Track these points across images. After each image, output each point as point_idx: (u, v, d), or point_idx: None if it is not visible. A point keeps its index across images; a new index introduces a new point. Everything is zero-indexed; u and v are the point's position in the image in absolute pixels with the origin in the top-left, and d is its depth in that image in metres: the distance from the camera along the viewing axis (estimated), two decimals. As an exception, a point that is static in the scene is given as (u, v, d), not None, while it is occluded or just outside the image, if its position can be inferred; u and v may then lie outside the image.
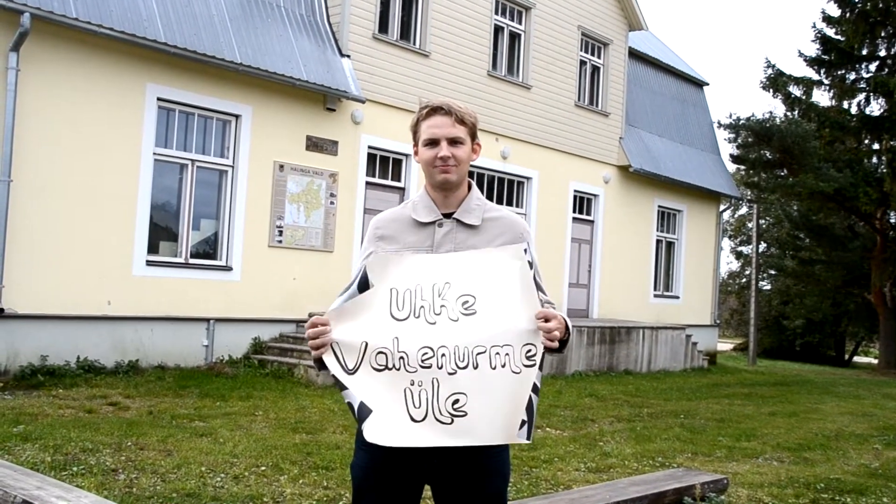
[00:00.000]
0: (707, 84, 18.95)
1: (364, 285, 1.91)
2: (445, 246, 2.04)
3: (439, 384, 1.82)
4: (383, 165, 11.82)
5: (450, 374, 1.82)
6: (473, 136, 2.08)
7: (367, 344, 1.85)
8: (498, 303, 1.86)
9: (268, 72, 9.82)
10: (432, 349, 1.82)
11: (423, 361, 1.82)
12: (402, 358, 1.83)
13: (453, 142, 2.03)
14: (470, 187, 2.12)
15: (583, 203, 15.17)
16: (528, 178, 13.90)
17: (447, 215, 2.07)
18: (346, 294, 1.93)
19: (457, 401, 1.82)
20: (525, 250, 1.94)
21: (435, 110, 2.05)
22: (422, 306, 1.86)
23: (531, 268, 1.92)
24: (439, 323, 1.84)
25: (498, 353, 1.83)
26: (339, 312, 1.90)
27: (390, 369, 1.84)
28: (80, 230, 8.67)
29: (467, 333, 1.83)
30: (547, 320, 1.87)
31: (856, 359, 31.73)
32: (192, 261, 9.68)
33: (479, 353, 1.83)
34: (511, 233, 2.09)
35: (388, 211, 2.19)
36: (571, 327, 2.01)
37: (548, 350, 1.88)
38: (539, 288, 2.02)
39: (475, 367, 1.82)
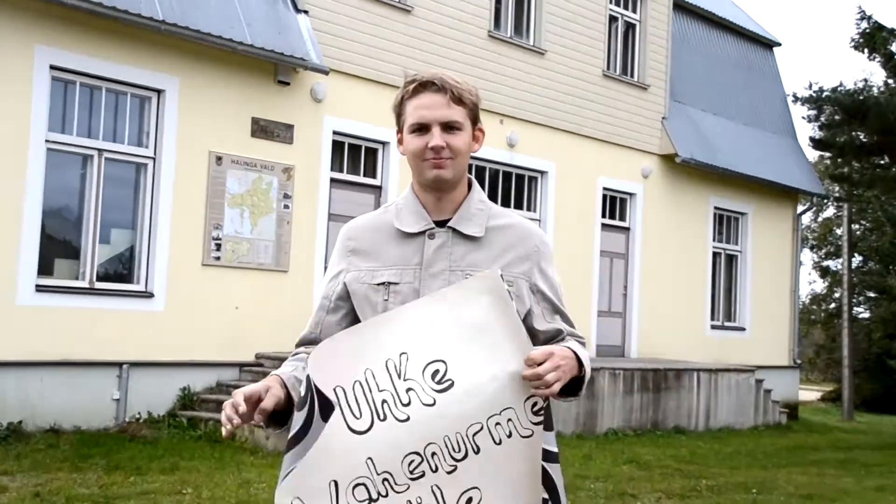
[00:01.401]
0: (779, 44, 19.10)
1: (323, 405, 1.87)
2: (438, 263, 2.09)
3: (442, 490, 1.84)
4: (353, 157, 11.80)
5: (449, 472, 1.84)
6: (475, 120, 2.13)
7: (336, 483, 1.84)
8: (477, 359, 1.87)
9: (199, 33, 9.82)
10: (419, 454, 1.83)
11: (412, 473, 1.83)
12: (385, 480, 1.83)
13: (448, 127, 2.07)
14: (470, 186, 2.17)
15: (615, 205, 15.18)
16: (542, 173, 13.92)
17: (441, 223, 2.12)
18: (299, 424, 1.88)
19: (470, 499, 1.84)
20: (502, 276, 1.97)
21: (424, 86, 2.08)
22: (384, 400, 1.85)
23: (512, 297, 1.96)
24: (413, 416, 1.84)
25: (499, 424, 1.86)
26: (292, 453, 1.88)
27: (377, 500, 1.83)
28: (-53, 245, 8.60)
29: (452, 416, 1.84)
30: (537, 364, 1.89)
31: None
32: (98, 285, 9.63)
33: (476, 434, 1.85)
34: (522, 246, 2.14)
35: (363, 217, 2.23)
36: (587, 360, 2.02)
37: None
38: (564, 318, 2.15)
39: (476, 452, 1.84)
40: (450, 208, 2.14)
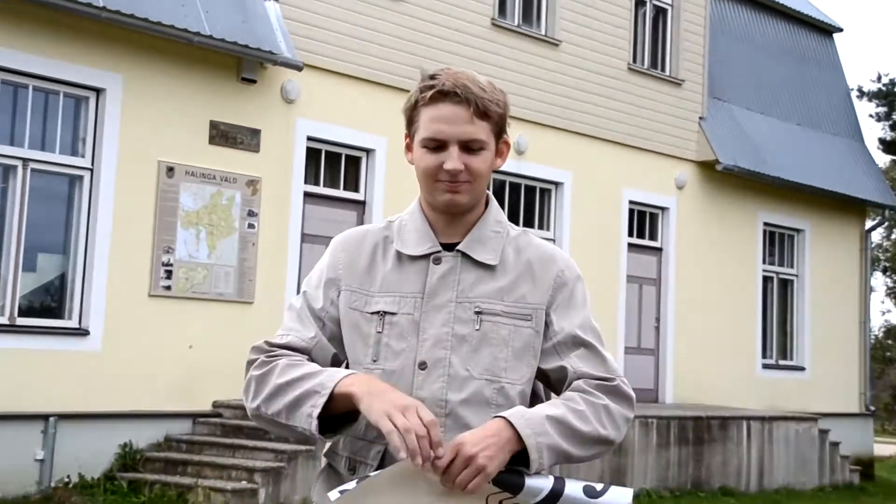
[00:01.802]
0: (840, 30, 19.15)
1: None
2: (443, 294, 2.15)
3: None
4: (332, 167, 11.84)
5: None
6: (500, 133, 2.20)
7: None
8: None
9: (147, 21, 9.84)
10: None
11: None
12: None
13: (469, 147, 2.12)
14: (487, 204, 2.25)
15: (644, 221, 15.23)
16: (556, 184, 13.98)
17: (449, 246, 2.19)
18: None
19: None
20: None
21: (445, 94, 2.11)
22: None
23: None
24: None
25: None
26: None
27: None
28: None
29: None
30: (444, 470, 1.98)
31: None
32: (21, 321, 9.62)
33: None
34: (543, 274, 2.20)
35: (360, 229, 2.29)
36: (527, 423, 2.02)
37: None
38: (590, 352, 2.18)
39: None
40: (462, 230, 2.20)
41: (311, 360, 2.16)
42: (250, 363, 2.18)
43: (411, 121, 2.18)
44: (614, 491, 2.01)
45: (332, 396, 2.01)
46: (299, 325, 2.22)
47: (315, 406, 2.01)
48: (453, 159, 2.11)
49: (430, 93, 2.12)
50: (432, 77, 2.13)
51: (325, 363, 2.18)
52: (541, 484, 2.01)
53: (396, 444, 1.91)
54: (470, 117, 2.11)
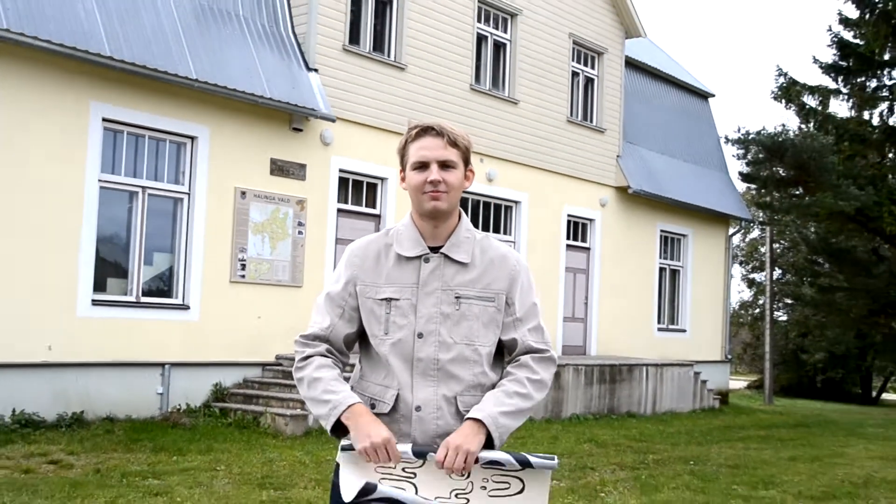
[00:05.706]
0: (713, 95, 19.28)
1: None
2: (432, 283, 2.11)
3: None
4: (356, 190, 11.94)
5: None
6: (466, 162, 2.15)
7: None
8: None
9: (227, 88, 9.89)
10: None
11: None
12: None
13: (444, 165, 2.09)
14: (460, 217, 2.19)
15: (577, 229, 15.34)
16: (516, 202, 14.06)
17: (434, 249, 2.13)
18: None
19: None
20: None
21: (425, 131, 2.12)
22: None
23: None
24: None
25: (483, 486, 2.06)
26: None
27: None
28: (15, 267, 8.63)
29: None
30: (443, 463, 1.99)
31: (884, 396, 31.94)
32: (144, 299, 9.70)
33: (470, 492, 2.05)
34: (503, 268, 2.17)
35: (366, 239, 2.22)
36: (492, 419, 2.03)
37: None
38: (533, 327, 2.16)
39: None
40: (443, 235, 2.14)
41: (329, 343, 2.15)
42: (296, 352, 2.19)
43: (403, 155, 2.14)
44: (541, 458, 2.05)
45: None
46: (320, 317, 2.18)
47: (327, 422, 2.08)
48: (434, 173, 2.07)
49: (415, 131, 2.11)
50: (416, 124, 2.14)
51: (340, 343, 2.16)
52: (505, 456, 2.04)
53: (365, 457, 2.00)
54: (444, 145, 2.09)
